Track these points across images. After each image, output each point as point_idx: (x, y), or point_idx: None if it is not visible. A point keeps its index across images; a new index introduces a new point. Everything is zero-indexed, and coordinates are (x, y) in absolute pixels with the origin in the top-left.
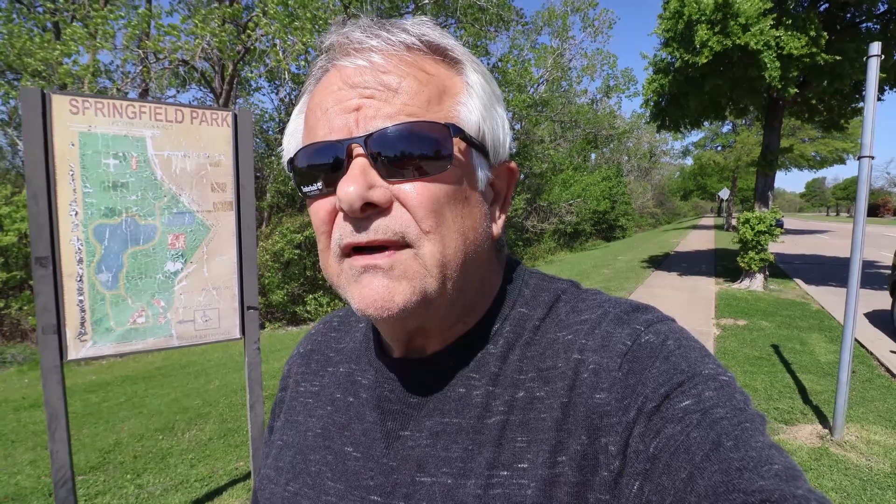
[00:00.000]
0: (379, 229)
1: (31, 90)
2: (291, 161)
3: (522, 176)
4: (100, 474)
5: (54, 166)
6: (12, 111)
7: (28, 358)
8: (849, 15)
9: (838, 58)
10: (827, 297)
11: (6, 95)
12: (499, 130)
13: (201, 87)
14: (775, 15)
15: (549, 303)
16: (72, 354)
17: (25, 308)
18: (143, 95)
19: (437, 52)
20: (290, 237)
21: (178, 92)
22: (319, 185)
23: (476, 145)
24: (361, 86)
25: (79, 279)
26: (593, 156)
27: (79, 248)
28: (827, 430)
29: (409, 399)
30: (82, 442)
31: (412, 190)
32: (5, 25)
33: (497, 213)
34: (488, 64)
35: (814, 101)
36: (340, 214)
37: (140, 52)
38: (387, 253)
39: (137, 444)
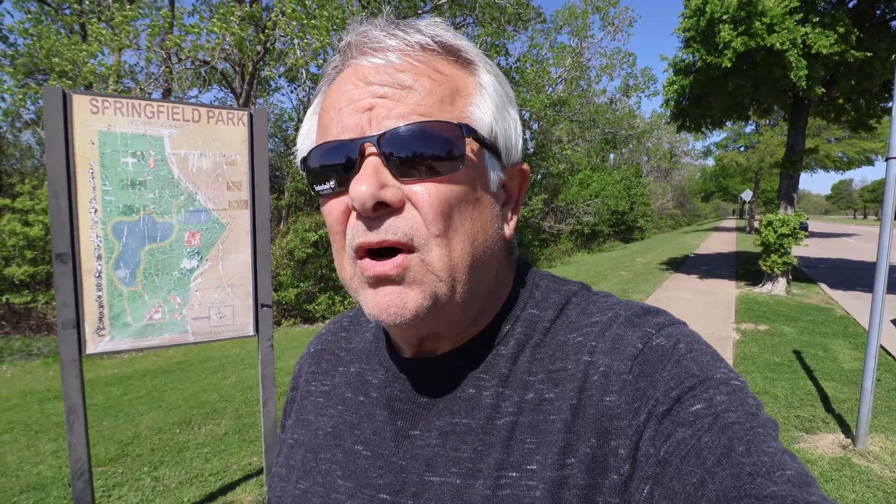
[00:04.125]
0: (390, 230)
1: (53, 90)
2: (305, 161)
3: (539, 176)
4: (118, 466)
5: (75, 164)
6: (39, 111)
7: (53, 350)
8: (878, 12)
9: (869, 54)
10: (852, 303)
11: (35, 96)
12: (511, 132)
13: (222, 88)
14: (801, 14)
15: (560, 305)
16: (90, 349)
17: (52, 302)
18: (166, 96)
19: (451, 52)
20: (303, 235)
21: (199, 92)
22: (332, 184)
23: (488, 146)
24: (377, 83)
25: (98, 275)
26: (612, 156)
27: (98, 245)
28: (849, 440)
29: (418, 399)
30: (102, 434)
31: (423, 191)
32: (35, 27)
33: (509, 215)
34: (506, 64)
35: (841, 101)
36: (353, 214)
37: (163, 52)
38: (396, 261)
39: (155, 437)
